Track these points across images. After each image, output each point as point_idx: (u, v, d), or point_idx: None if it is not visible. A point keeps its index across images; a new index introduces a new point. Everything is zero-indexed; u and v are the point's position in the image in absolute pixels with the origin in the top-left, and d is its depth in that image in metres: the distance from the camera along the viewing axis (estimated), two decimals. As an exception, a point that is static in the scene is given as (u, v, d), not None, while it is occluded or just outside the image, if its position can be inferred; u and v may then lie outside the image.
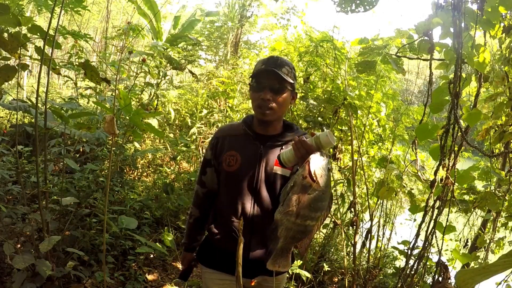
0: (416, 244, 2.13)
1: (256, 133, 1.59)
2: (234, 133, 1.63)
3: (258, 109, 1.52)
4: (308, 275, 2.92)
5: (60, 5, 2.13)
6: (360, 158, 3.41)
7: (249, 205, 1.54)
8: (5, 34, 1.87)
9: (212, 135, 1.70)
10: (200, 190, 1.72)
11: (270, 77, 1.49)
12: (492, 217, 2.88)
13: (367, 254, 3.73)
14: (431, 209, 1.98)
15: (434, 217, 1.95)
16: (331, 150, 3.35)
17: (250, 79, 1.57)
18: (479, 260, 2.91)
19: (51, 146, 3.44)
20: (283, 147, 1.56)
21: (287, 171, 1.55)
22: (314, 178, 1.08)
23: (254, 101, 1.53)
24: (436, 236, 1.96)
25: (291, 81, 1.52)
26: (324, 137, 1.17)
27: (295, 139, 1.22)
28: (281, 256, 1.19)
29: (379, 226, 4.31)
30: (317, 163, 1.10)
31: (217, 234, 1.62)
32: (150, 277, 3.12)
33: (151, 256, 3.34)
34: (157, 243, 3.11)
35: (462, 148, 2.03)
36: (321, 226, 1.22)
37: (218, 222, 1.64)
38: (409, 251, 2.17)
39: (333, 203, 4.23)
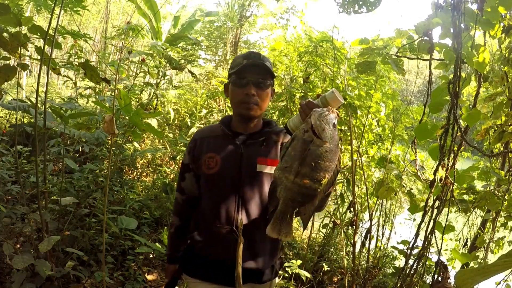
0: (416, 244, 2.12)
1: (235, 132, 1.52)
2: (213, 134, 1.56)
3: (242, 105, 1.46)
4: (308, 275, 2.92)
5: (60, 5, 2.12)
6: (359, 158, 3.41)
7: (233, 209, 1.45)
8: (5, 34, 1.87)
9: (190, 139, 1.62)
10: (179, 197, 1.64)
11: (255, 71, 1.44)
12: (491, 217, 2.88)
13: (366, 254, 3.73)
14: (431, 209, 1.98)
15: (433, 217, 1.95)
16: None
17: (230, 74, 1.49)
18: (479, 260, 2.91)
19: (50, 146, 3.43)
20: (265, 143, 1.49)
21: (273, 168, 1.47)
22: (317, 132, 0.96)
23: (236, 97, 1.47)
24: (435, 236, 1.96)
25: (274, 75, 1.49)
26: (330, 94, 1.08)
27: (301, 103, 1.14)
28: (282, 221, 1.05)
29: (378, 226, 4.32)
30: (320, 116, 0.98)
31: (200, 241, 1.53)
32: (149, 277, 3.12)
33: (151, 256, 3.34)
34: (157, 243, 3.11)
35: (462, 148, 2.03)
36: (327, 192, 1.04)
37: (201, 228, 1.54)
38: (409, 250, 2.17)
39: (333, 203, 4.25)
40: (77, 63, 2.76)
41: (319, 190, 1.00)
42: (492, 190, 2.33)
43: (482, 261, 2.97)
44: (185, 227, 1.64)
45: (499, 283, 2.57)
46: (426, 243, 1.98)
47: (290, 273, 3.02)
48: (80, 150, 4.31)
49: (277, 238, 1.48)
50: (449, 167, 1.88)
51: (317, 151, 0.96)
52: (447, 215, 2.00)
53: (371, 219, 3.48)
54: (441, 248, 1.94)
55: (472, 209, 2.45)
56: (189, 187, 1.59)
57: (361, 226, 4.25)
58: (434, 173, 1.91)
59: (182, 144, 5.38)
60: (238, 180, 1.45)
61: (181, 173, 1.62)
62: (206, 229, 1.51)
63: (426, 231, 1.98)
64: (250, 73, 1.44)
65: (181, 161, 5.83)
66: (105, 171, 3.87)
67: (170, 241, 1.70)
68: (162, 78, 5.16)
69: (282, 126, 1.57)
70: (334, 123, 0.98)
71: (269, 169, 1.46)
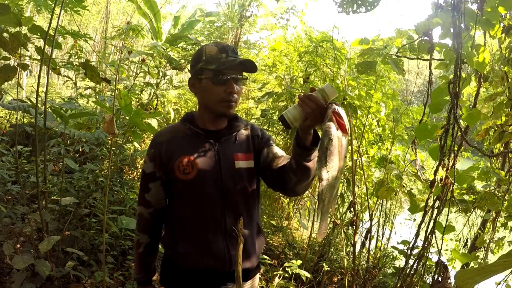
0: (416, 244, 2.13)
1: (206, 130, 1.41)
2: (180, 135, 1.41)
3: (222, 103, 1.35)
4: (308, 275, 2.92)
5: (60, 5, 2.12)
6: (359, 158, 3.41)
7: (219, 211, 1.37)
8: (6, 34, 1.87)
9: (149, 145, 1.44)
10: (145, 212, 1.45)
11: (237, 68, 1.35)
12: (491, 217, 2.88)
13: (366, 254, 3.73)
14: (431, 209, 1.98)
15: (433, 217, 1.95)
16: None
17: (203, 69, 1.35)
18: (479, 260, 2.91)
19: (50, 146, 3.43)
20: (237, 138, 1.43)
21: (251, 162, 1.43)
22: (346, 128, 1.07)
23: (216, 94, 1.34)
24: (435, 236, 1.97)
25: (257, 69, 1.42)
26: (329, 88, 1.14)
27: (300, 96, 1.17)
28: (325, 220, 1.14)
29: (378, 226, 4.32)
30: (343, 113, 1.08)
31: (185, 253, 1.39)
32: (149, 277, 3.12)
33: (151, 256, 3.33)
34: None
35: (462, 148, 2.03)
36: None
37: (185, 238, 1.40)
38: (409, 251, 2.18)
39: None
40: (77, 63, 2.76)
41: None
42: (492, 190, 2.33)
43: (482, 261, 2.98)
44: (155, 243, 1.50)
45: (499, 283, 2.57)
46: (426, 243, 1.98)
47: (290, 273, 3.02)
48: (80, 150, 4.32)
49: (261, 233, 1.51)
50: (449, 167, 1.88)
51: (346, 144, 1.08)
52: (447, 215, 2.00)
53: (371, 219, 3.48)
54: (441, 248, 1.94)
55: (472, 209, 2.45)
56: (156, 198, 1.44)
57: (361, 226, 4.25)
58: (434, 173, 1.91)
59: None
60: (219, 180, 1.37)
61: (143, 184, 1.44)
62: (191, 238, 1.39)
63: (426, 231, 1.98)
64: (233, 69, 1.35)
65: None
66: (105, 171, 3.87)
67: (140, 262, 1.51)
68: (162, 78, 5.16)
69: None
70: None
71: (246, 164, 1.42)
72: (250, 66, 1.36)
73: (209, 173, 1.37)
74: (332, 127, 1.06)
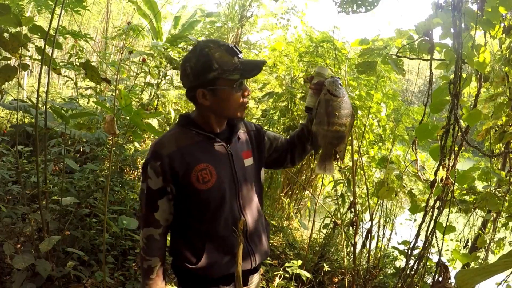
0: (416, 244, 2.12)
1: (215, 133, 1.37)
2: (188, 142, 1.32)
3: (240, 108, 1.34)
4: (308, 275, 2.92)
5: (60, 5, 2.13)
6: (360, 158, 3.41)
7: (238, 212, 1.38)
8: (6, 34, 1.87)
9: (149, 158, 1.31)
10: (155, 233, 1.33)
11: (255, 69, 1.33)
12: (492, 218, 2.88)
13: (367, 254, 3.72)
14: (431, 209, 1.98)
15: (434, 217, 1.95)
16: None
17: (222, 79, 1.27)
18: (479, 260, 2.91)
19: (51, 146, 3.44)
20: (239, 136, 1.43)
21: (251, 159, 1.45)
22: (332, 92, 1.36)
23: (237, 100, 1.31)
24: (436, 236, 1.96)
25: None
26: (320, 69, 1.49)
27: (311, 86, 1.46)
28: (325, 160, 1.41)
29: (379, 226, 4.31)
30: (329, 82, 1.39)
31: (213, 262, 1.34)
32: (150, 277, 3.11)
33: (151, 256, 3.33)
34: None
35: (462, 148, 2.03)
36: (350, 131, 1.51)
37: (209, 249, 1.34)
38: (409, 251, 2.17)
39: (333, 203, 4.24)
40: (77, 63, 2.77)
41: (346, 130, 1.38)
42: (493, 191, 2.33)
43: (482, 262, 2.97)
44: (164, 263, 1.42)
45: (500, 283, 2.57)
46: (427, 243, 1.98)
47: (291, 274, 3.02)
48: (81, 150, 4.32)
49: (267, 223, 1.58)
50: (450, 168, 1.88)
51: (337, 104, 1.35)
52: (448, 215, 2.00)
53: (371, 220, 3.48)
54: (441, 249, 1.94)
55: (472, 210, 2.44)
56: (166, 215, 1.34)
57: (362, 227, 4.25)
58: (435, 174, 1.91)
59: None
60: (234, 182, 1.37)
61: (150, 203, 1.32)
62: (216, 248, 1.35)
63: (426, 231, 1.97)
64: (250, 73, 1.33)
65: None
66: (106, 171, 3.87)
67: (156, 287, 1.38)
68: (163, 78, 5.16)
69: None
70: (340, 83, 1.38)
71: (249, 162, 1.44)
72: (262, 63, 1.37)
73: (226, 176, 1.36)
74: (322, 95, 1.38)
